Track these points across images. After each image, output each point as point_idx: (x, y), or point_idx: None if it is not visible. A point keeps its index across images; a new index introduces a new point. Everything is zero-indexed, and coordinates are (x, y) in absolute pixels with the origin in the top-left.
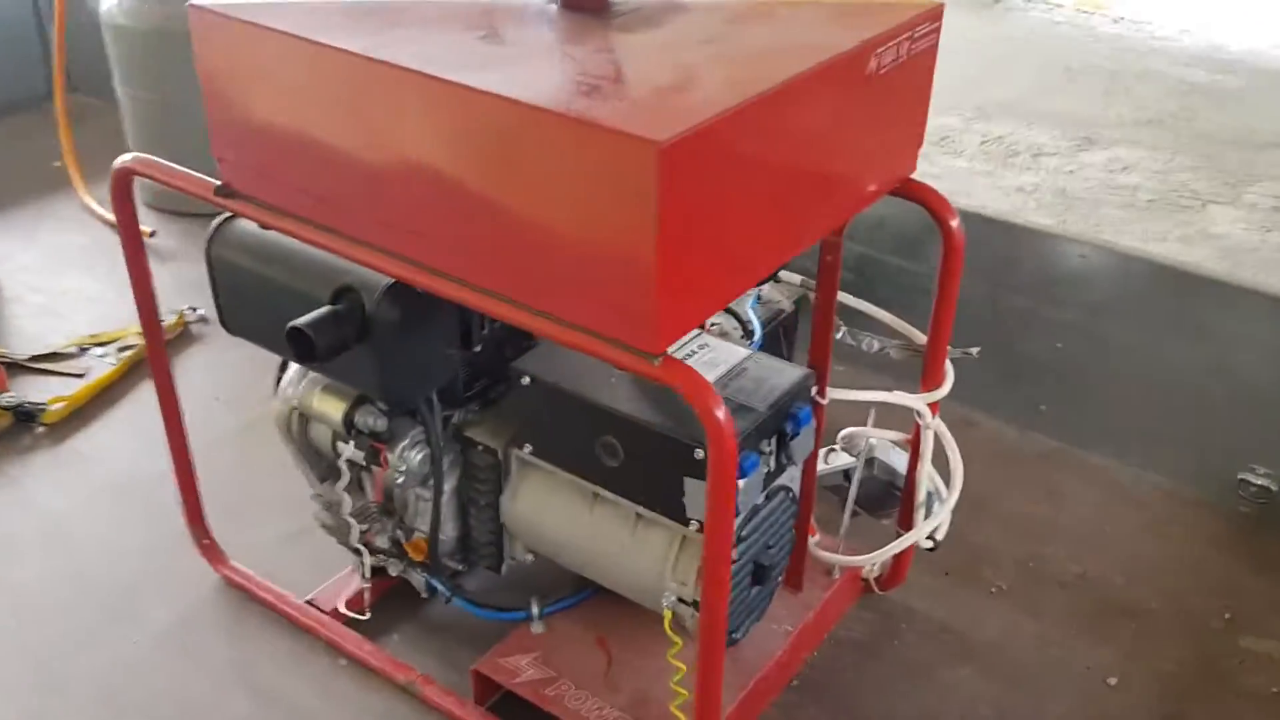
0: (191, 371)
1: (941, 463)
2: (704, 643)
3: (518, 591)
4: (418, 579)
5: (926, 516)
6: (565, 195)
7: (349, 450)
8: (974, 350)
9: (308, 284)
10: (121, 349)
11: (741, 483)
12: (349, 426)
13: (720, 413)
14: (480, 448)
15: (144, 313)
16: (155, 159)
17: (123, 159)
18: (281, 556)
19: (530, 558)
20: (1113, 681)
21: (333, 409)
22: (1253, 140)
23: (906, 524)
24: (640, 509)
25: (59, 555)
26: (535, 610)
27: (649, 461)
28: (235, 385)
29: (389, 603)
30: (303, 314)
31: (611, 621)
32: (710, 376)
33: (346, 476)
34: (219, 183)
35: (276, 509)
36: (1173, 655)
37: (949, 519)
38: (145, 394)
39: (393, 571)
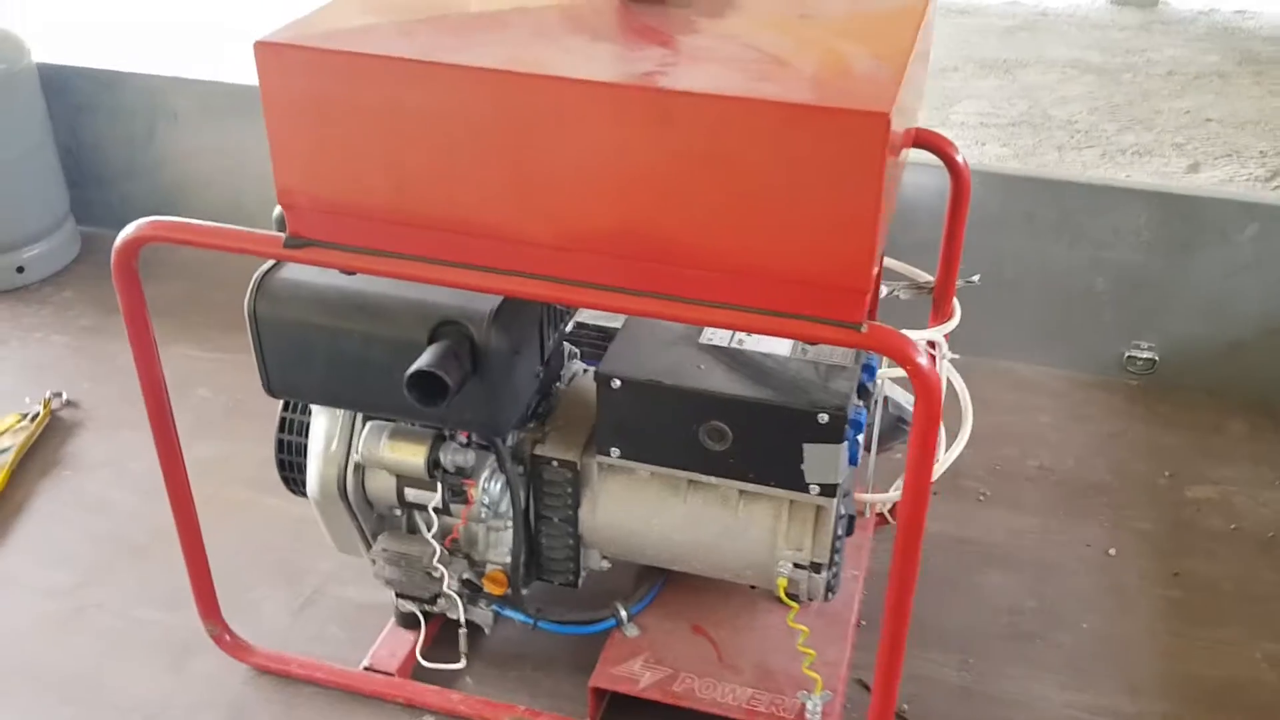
0: (91, 464)
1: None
2: (892, 599)
3: (562, 605)
4: (484, 615)
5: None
6: (773, 183)
7: (431, 495)
8: (975, 278)
9: (395, 326)
10: None
11: (851, 438)
12: (434, 468)
13: (925, 364)
14: (554, 463)
15: (156, 415)
16: (181, 220)
17: (135, 226)
18: (296, 631)
19: (606, 565)
20: (1113, 552)
21: (411, 454)
22: None
23: None
24: (746, 486)
25: (51, 697)
26: (624, 614)
27: (763, 437)
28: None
29: (435, 650)
30: (391, 358)
31: (696, 607)
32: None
33: (435, 523)
34: (285, 234)
35: (266, 585)
36: (1145, 517)
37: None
38: (46, 498)
39: (453, 614)
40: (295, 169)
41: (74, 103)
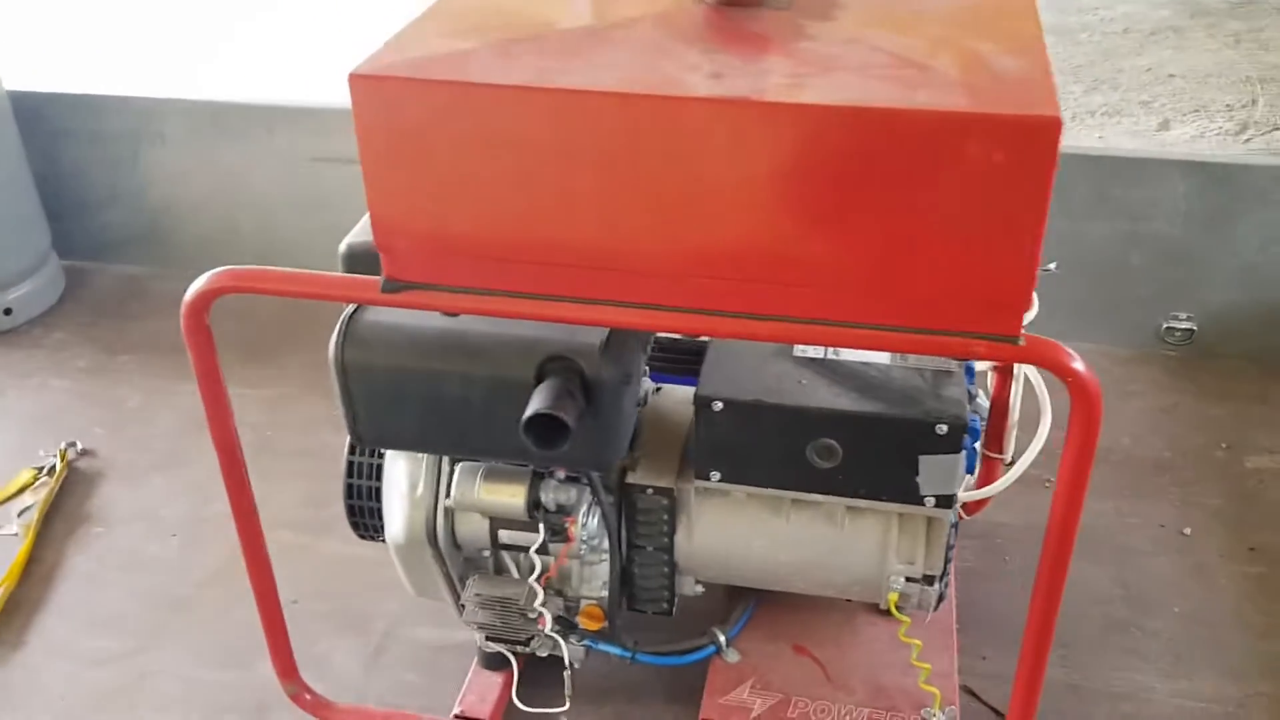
0: (121, 517)
1: None
2: (1038, 605)
3: (650, 634)
4: (575, 651)
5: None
6: (930, 196)
7: (529, 535)
8: (1053, 265)
9: (500, 365)
10: (19, 512)
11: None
12: (534, 508)
13: (1085, 372)
14: (649, 491)
15: (232, 476)
16: (258, 268)
17: (206, 279)
18: (372, 681)
19: (700, 590)
20: (1187, 531)
21: (510, 495)
22: None
23: (995, 448)
24: (854, 502)
25: None
26: (722, 640)
27: (876, 452)
28: (182, 517)
29: (521, 690)
30: (495, 399)
31: (794, 626)
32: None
33: (538, 565)
34: (383, 278)
35: (331, 634)
36: (1211, 492)
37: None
38: (80, 558)
39: (543, 653)
40: (394, 209)
41: (49, 130)
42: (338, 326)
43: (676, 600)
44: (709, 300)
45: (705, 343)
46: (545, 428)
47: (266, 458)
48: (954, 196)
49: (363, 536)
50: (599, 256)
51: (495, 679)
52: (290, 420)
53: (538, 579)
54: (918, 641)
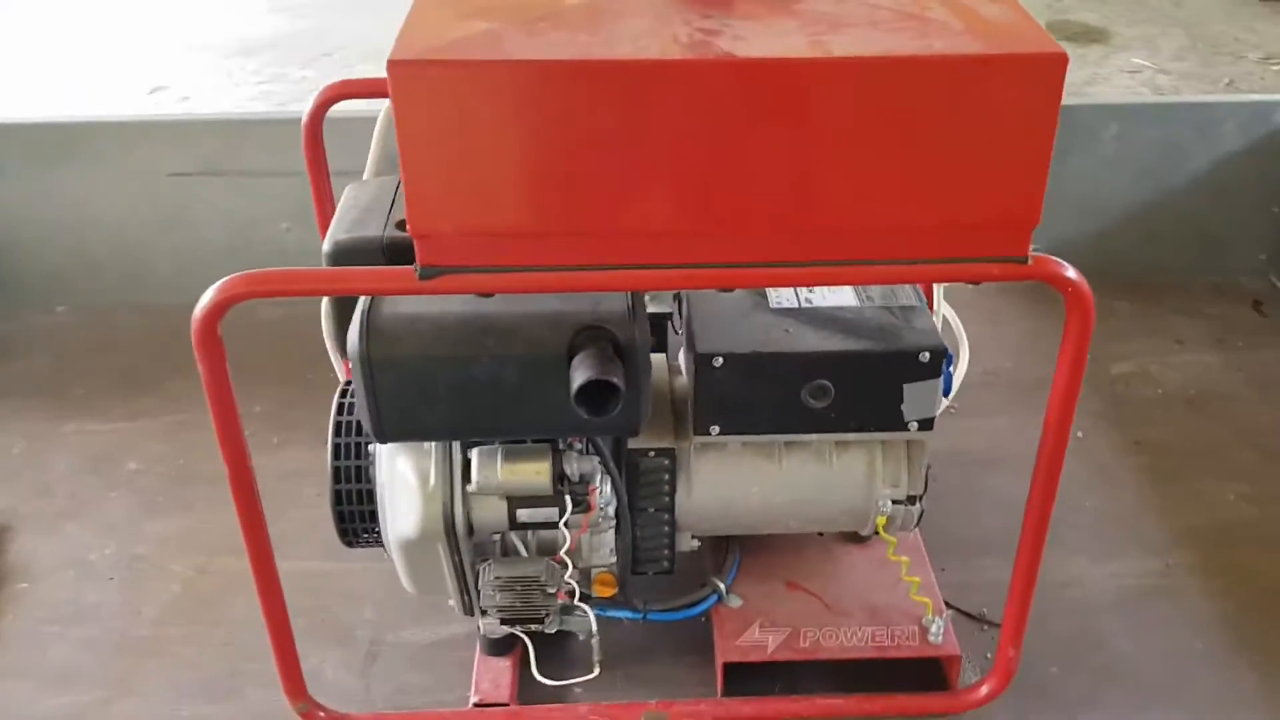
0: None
1: None
2: (1034, 504)
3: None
4: (581, 622)
5: None
6: (950, 133)
7: (548, 510)
8: None
9: (532, 342)
10: None
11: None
12: (559, 481)
13: (1081, 283)
14: (651, 453)
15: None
16: (277, 269)
17: (218, 288)
18: (375, 689)
19: (696, 544)
20: (1080, 434)
21: (534, 472)
22: None
23: None
24: (842, 436)
25: None
26: (723, 588)
27: (866, 386)
28: (114, 559)
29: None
30: (529, 377)
31: (780, 566)
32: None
33: (568, 538)
34: (419, 266)
35: (317, 650)
36: (1089, 398)
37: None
38: (12, 618)
39: (552, 628)
40: (432, 194)
41: None
42: (357, 322)
43: (676, 558)
44: (743, 253)
45: (666, 314)
46: (597, 394)
47: (186, 488)
48: (973, 132)
49: (352, 544)
50: (638, 222)
51: (503, 663)
52: (200, 445)
53: (567, 551)
54: (905, 559)
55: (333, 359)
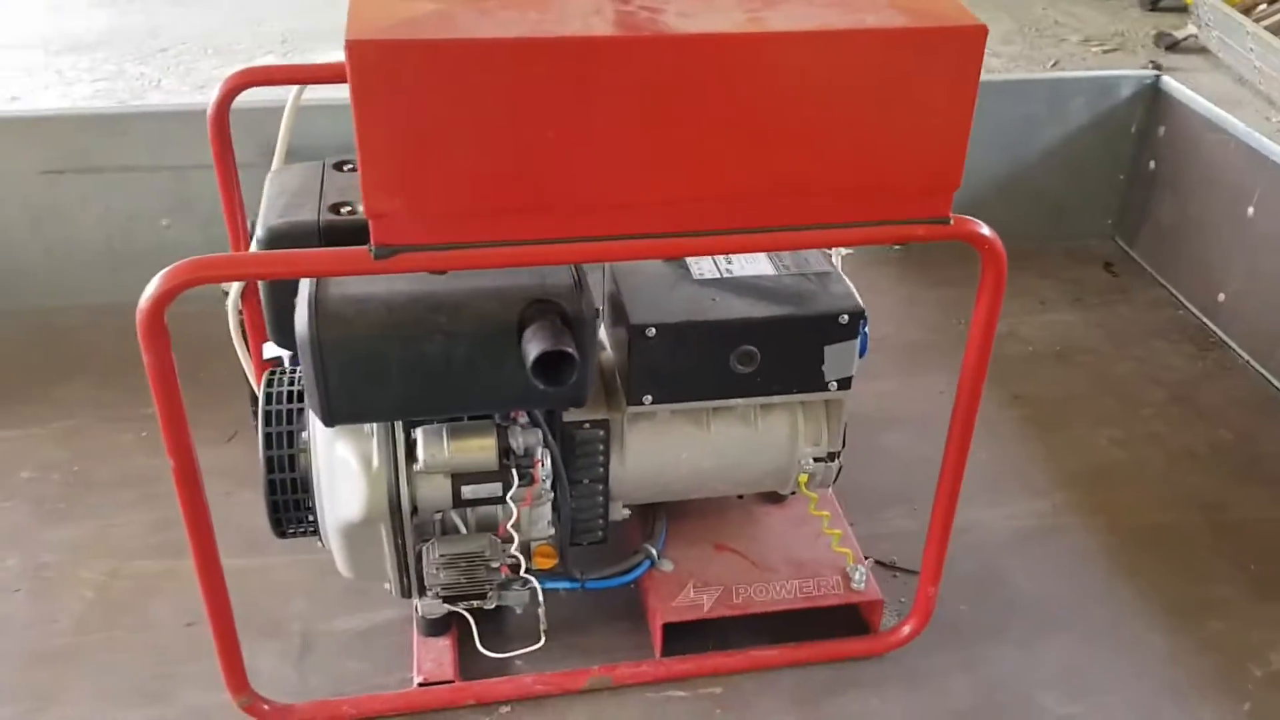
0: None
1: None
2: (951, 452)
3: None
4: (518, 596)
5: None
6: (881, 102)
7: (491, 485)
8: None
9: (482, 318)
10: None
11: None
12: (505, 455)
13: (994, 240)
14: (586, 425)
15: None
16: (226, 254)
17: (166, 275)
18: (313, 678)
19: (627, 513)
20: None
21: (479, 448)
22: None
23: None
24: (766, 400)
25: None
26: (655, 553)
27: (789, 349)
28: (17, 572)
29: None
30: (479, 353)
31: (705, 529)
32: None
33: (514, 513)
34: (373, 245)
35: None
36: None
37: None
38: None
39: (491, 605)
40: (390, 173)
41: None
42: (304, 306)
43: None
44: (685, 223)
45: None
46: (552, 365)
47: (85, 493)
48: (901, 101)
49: (285, 534)
50: (593, 196)
51: (442, 642)
52: (94, 451)
53: (513, 525)
54: (826, 513)
55: (239, 351)
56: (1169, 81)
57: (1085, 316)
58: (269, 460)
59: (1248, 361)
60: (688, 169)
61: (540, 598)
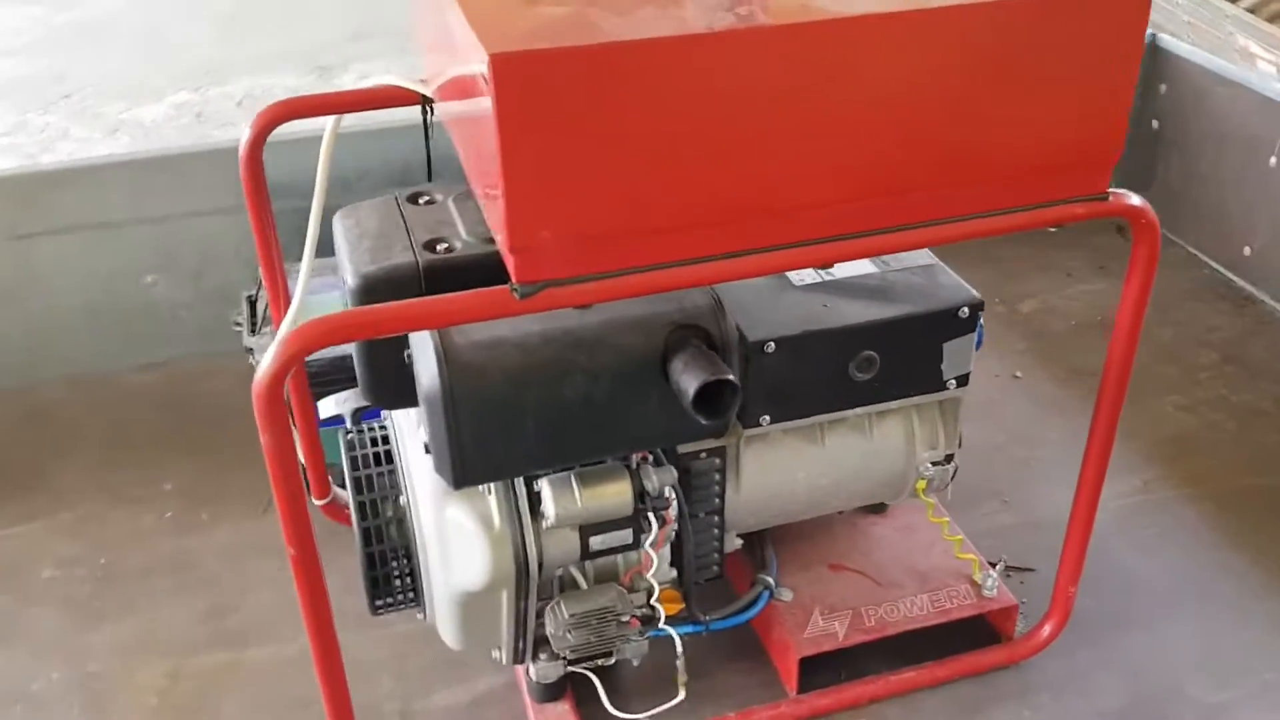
0: None
1: None
2: (1097, 434)
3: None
4: (637, 647)
5: None
6: (1041, 74)
7: (621, 533)
8: None
9: (625, 351)
10: None
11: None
12: (640, 499)
13: (1149, 210)
14: (702, 455)
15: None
16: (351, 311)
17: (290, 338)
18: None
19: (739, 544)
20: (1019, 374)
21: (616, 493)
22: None
23: None
24: (878, 407)
25: None
26: (772, 583)
27: (908, 350)
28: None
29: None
30: (623, 388)
31: (814, 551)
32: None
33: (655, 561)
34: (516, 284)
35: None
36: (1012, 338)
37: None
38: None
39: (611, 661)
40: (538, 201)
41: None
42: (430, 357)
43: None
44: (840, 225)
45: None
46: (714, 395)
47: (118, 588)
48: (1061, 71)
49: (383, 610)
50: (748, 201)
51: (562, 707)
52: (116, 539)
53: (652, 573)
54: (945, 519)
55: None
56: (1166, 39)
57: (1114, 284)
58: (365, 532)
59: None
60: (843, 165)
61: (679, 648)
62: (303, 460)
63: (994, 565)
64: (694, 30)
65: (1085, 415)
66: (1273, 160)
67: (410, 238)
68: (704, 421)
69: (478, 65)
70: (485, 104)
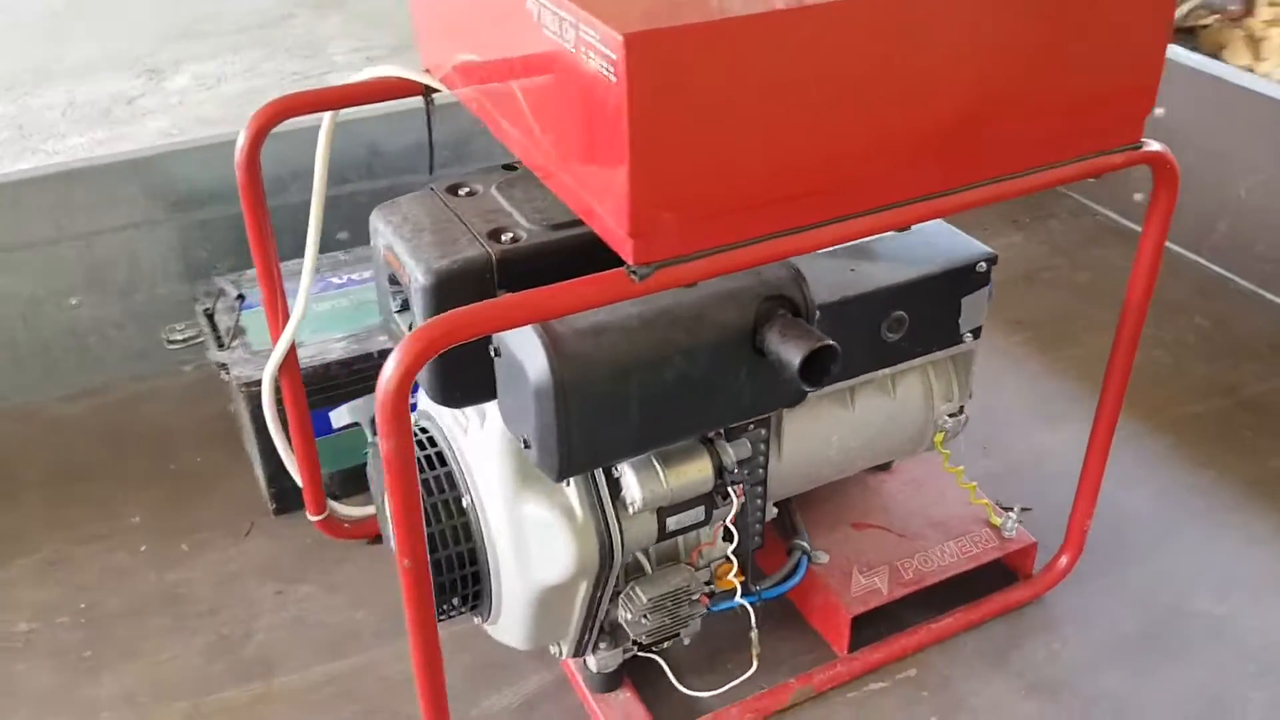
0: None
1: None
2: (1114, 374)
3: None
4: (693, 626)
5: None
6: (1082, 23)
7: (694, 511)
8: None
9: (720, 326)
10: None
11: None
12: (719, 475)
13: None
14: (750, 426)
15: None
16: (479, 305)
17: (417, 337)
18: None
19: (775, 512)
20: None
21: (698, 470)
22: None
23: None
24: (903, 366)
25: None
26: (807, 546)
27: (931, 309)
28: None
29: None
30: (718, 363)
31: (834, 513)
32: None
33: (734, 535)
34: (634, 266)
35: None
36: None
37: None
38: None
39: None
40: (664, 182)
41: None
42: (536, 347)
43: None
44: (911, 189)
45: None
46: (826, 358)
47: (114, 630)
48: (1111, 22)
49: (449, 616)
50: (843, 167)
51: (624, 695)
52: (92, 581)
53: (733, 550)
54: (961, 468)
55: (273, 430)
56: None
57: (1027, 236)
58: (431, 538)
59: (1181, 252)
60: (924, 128)
61: (753, 620)
62: (297, 475)
63: (1008, 510)
64: (804, 2)
65: (1034, 362)
66: (1159, 111)
67: (470, 230)
68: (806, 388)
69: (600, 47)
70: (599, 86)
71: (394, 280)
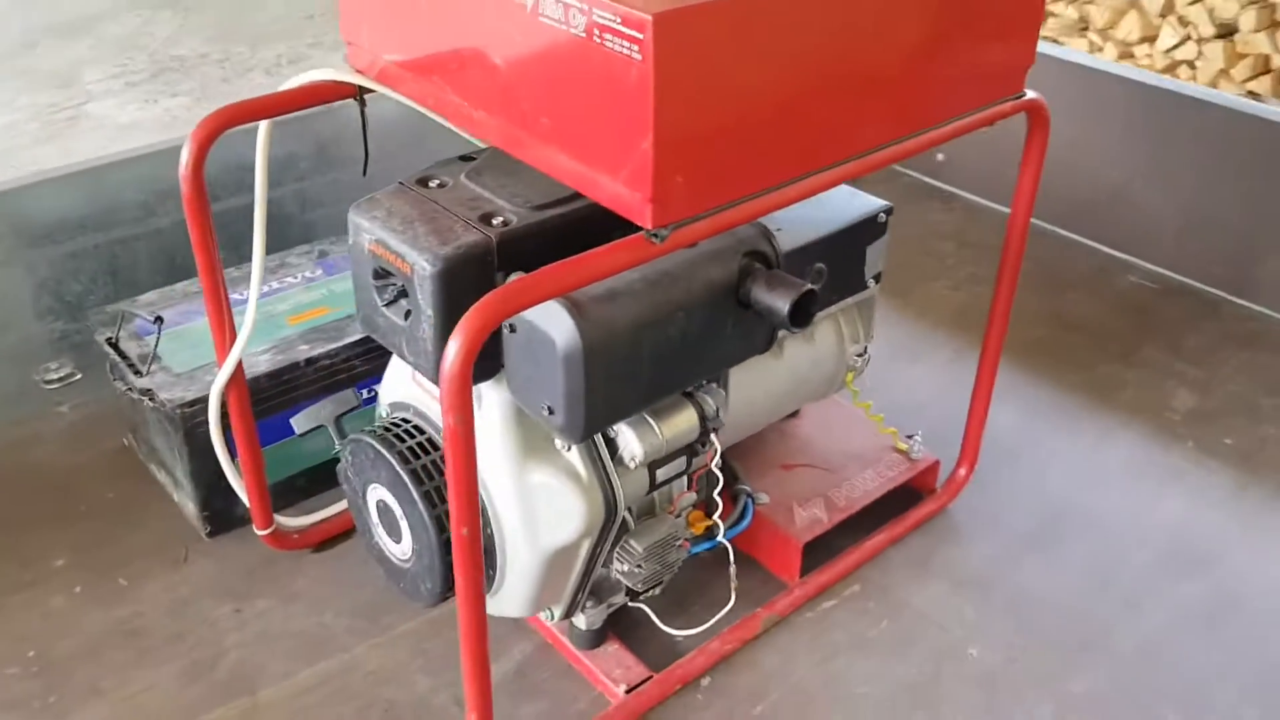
0: None
1: None
2: (1001, 295)
3: None
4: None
5: None
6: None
7: (679, 461)
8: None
9: (710, 282)
10: None
11: None
12: (704, 422)
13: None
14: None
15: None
16: (519, 281)
17: (486, 306)
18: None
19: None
20: None
21: (686, 420)
22: None
23: None
24: (823, 314)
25: None
26: (750, 490)
27: (843, 259)
28: None
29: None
30: (710, 317)
31: (762, 456)
32: None
33: (720, 481)
34: (652, 230)
35: None
36: None
37: None
38: None
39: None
40: (682, 149)
41: None
42: (561, 316)
43: None
44: (864, 142)
45: None
46: (808, 302)
47: (74, 674)
48: None
49: (449, 596)
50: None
51: (613, 647)
52: (34, 630)
53: (717, 491)
54: (869, 403)
55: (218, 447)
56: None
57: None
58: (438, 520)
59: (976, 200)
60: (881, 86)
61: (732, 557)
62: (241, 489)
63: (911, 436)
64: None
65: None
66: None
67: (461, 218)
68: (794, 330)
69: (623, 29)
70: (618, 65)
71: (380, 274)
